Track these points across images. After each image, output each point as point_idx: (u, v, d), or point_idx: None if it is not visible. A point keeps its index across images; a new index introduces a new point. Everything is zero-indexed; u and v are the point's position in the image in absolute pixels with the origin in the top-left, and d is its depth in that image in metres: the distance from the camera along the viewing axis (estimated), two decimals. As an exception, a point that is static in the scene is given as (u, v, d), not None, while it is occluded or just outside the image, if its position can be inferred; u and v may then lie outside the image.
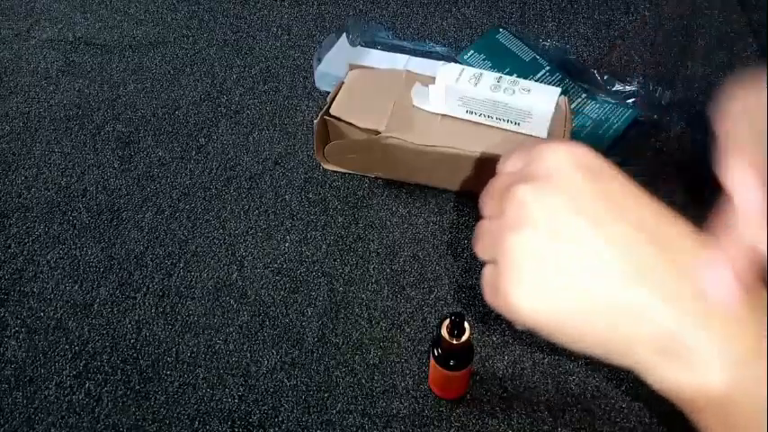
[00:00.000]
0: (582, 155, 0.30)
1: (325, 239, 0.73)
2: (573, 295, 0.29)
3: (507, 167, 0.34)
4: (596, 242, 0.28)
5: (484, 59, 0.90)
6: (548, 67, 0.88)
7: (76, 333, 0.66)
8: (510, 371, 0.63)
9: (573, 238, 0.28)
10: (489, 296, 0.31)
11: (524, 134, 0.71)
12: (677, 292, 0.27)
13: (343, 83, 0.78)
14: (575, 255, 0.28)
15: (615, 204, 0.29)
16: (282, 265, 0.71)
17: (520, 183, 0.30)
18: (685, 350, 0.27)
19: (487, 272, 0.32)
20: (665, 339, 0.27)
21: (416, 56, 0.90)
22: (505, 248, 0.30)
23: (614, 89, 0.86)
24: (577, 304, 0.29)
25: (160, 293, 0.69)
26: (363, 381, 0.63)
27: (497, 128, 0.72)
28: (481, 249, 0.33)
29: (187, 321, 0.67)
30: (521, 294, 0.29)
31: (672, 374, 0.28)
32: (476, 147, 0.70)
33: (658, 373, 0.28)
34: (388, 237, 0.73)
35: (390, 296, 0.68)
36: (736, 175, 0.28)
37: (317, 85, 0.88)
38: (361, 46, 0.91)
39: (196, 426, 0.60)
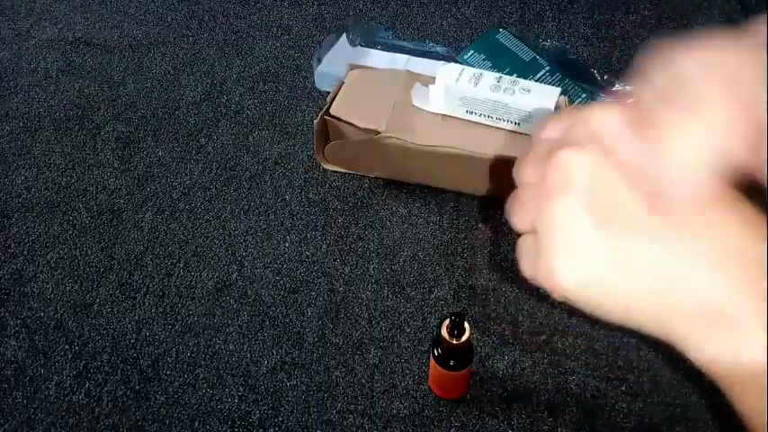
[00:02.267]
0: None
1: (326, 239, 0.73)
2: (618, 264, 0.28)
3: (547, 133, 0.32)
4: (643, 209, 0.27)
5: (484, 59, 0.90)
6: (548, 67, 0.88)
7: (76, 333, 0.66)
8: (510, 371, 0.63)
9: (620, 205, 0.28)
10: (527, 267, 0.30)
11: (524, 134, 0.71)
12: (724, 258, 0.27)
13: (343, 83, 0.78)
14: (622, 223, 0.28)
15: None
16: (282, 265, 0.71)
17: (564, 147, 0.29)
18: (731, 318, 0.26)
19: (526, 242, 0.30)
20: (710, 307, 0.27)
21: (416, 56, 0.90)
22: (548, 216, 0.29)
23: (614, 89, 0.86)
24: (623, 273, 0.28)
25: (160, 293, 0.69)
26: (363, 381, 0.63)
27: (497, 128, 0.72)
28: (518, 219, 0.31)
29: (187, 321, 0.67)
30: (565, 264, 0.28)
31: (714, 345, 0.27)
32: (476, 147, 0.70)
33: (700, 343, 0.28)
34: (388, 237, 0.73)
35: (390, 296, 0.68)
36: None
37: (317, 85, 0.88)
38: (361, 46, 0.91)
39: (196, 426, 0.60)
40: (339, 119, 0.74)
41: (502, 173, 0.71)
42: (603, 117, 0.29)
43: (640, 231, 0.28)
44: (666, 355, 0.62)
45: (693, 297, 0.27)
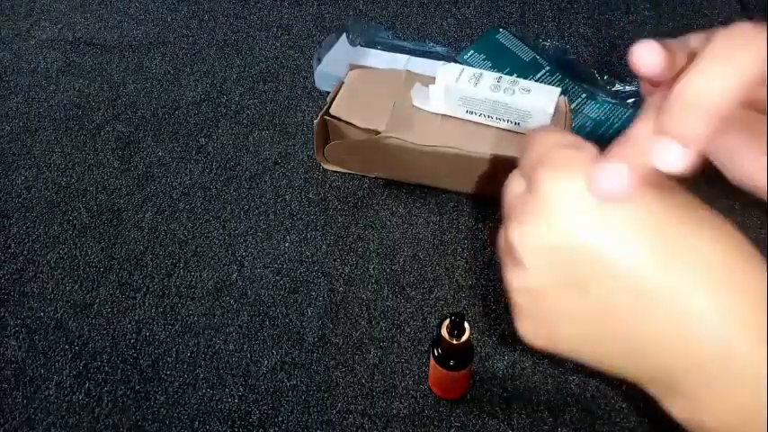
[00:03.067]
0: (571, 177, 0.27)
1: (326, 239, 0.73)
2: (590, 326, 0.27)
3: (511, 190, 0.31)
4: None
5: (484, 59, 0.90)
6: (548, 67, 0.88)
7: (76, 333, 0.66)
8: (510, 371, 0.63)
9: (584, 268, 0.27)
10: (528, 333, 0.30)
11: (525, 134, 0.71)
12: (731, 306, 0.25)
13: (343, 83, 0.78)
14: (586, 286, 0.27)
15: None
16: (282, 265, 0.71)
17: (512, 223, 0.28)
18: (736, 370, 0.24)
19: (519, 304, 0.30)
20: (712, 358, 0.25)
21: (416, 56, 0.90)
22: (511, 286, 0.29)
23: (614, 89, 0.86)
24: (596, 334, 0.27)
25: (160, 293, 0.69)
26: (363, 381, 0.63)
27: (497, 128, 0.72)
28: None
29: (187, 321, 0.67)
30: (527, 329, 0.29)
31: (709, 401, 0.25)
32: (476, 147, 0.70)
33: (692, 397, 0.25)
34: (388, 237, 0.73)
35: (390, 296, 0.68)
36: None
37: (317, 85, 0.88)
38: (361, 46, 0.91)
39: (196, 426, 0.60)
40: (339, 119, 0.74)
41: (502, 173, 0.71)
42: (557, 184, 0.27)
43: (609, 291, 0.26)
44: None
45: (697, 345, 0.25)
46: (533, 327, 0.29)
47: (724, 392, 0.25)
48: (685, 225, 0.26)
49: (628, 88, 0.86)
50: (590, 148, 0.28)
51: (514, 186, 0.30)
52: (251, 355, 0.64)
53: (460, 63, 0.86)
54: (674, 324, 0.25)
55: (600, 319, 0.27)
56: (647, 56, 0.26)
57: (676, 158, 0.24)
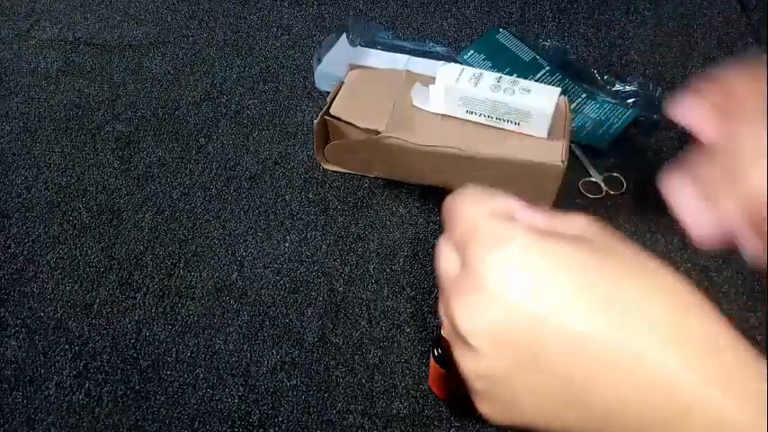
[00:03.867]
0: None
1: (326, 239, 0.73)
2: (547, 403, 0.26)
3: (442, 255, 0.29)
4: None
5: (484, 59, 0.90)
6: (548, 67, 0.88)
7: (76, 333, 0.66)
8: (510, 371, 0.63)
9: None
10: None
11: (524, 134, 0.71)
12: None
13: (343, 83, 0.78)
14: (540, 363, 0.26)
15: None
16: (282, 265, 0.71)
17: (454, 304, 0.26)
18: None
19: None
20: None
21: (416, 56, 0.90)
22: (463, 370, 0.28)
23: (614, 89, 0.86)
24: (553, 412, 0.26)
25: (160, 293, 0.69)
26: (363, 381, 0.63)
27: (497, 128, 0.72)
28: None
29: (187, 321, 0.67)
30: (491, 413, 0.28)
31: None
32: (476, 147, 0.70)
33: None
34: (388, 237, 0.73)
35: (390, 296, 0.68)
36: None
37: (317, 85, 0.88)
38: (361, 46, 0.91)
39: (196, 426, 0.60)
40: (339, 119, 0.74)
41: (501, 173, 0.71)
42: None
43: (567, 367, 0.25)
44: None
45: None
46: (494, 408, 0.28)
47: None
48: (633, 283, 0.25)
49: (628, 88, 0.86)
50: (522, 213, 0.27)
51: (447, 262, 0.28)
52: (251, 355, 0.64)
53: (460, 63, 0.86)
54: (634, 384, 0.24)
55: (561, 390, 0.25)
56: (689, 113, 0.26)
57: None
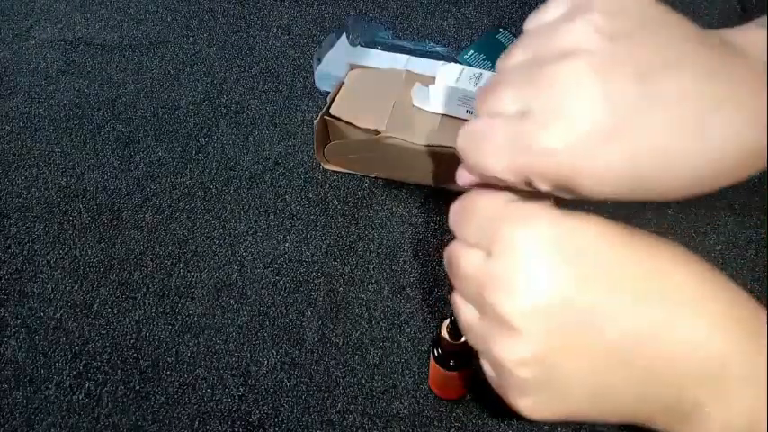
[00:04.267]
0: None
1: (326, 239, 0.73)
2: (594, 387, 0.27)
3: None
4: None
5: (484, 59, 0.90)
6: (548, 67, 0.88)
7: (76, 333, 0.66)
8: (510, 371, 0.63)
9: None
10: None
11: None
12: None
13: (343, 83, 0.78)
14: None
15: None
16: (282, 265, 0.71)
17: (489, 294, 0.26)
18: (734, 380, 0.25)
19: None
20: (713, 369, 0.25)
21: (416, 56, 0.90)
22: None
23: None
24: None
25: (160, 293, 0.69)
26: (363, 381, 0.63)
27: (497, 128, 0.72)
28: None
29: (187, 321, 0.67)
30: (528, 403, 0.27)
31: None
32: (476, 147, 0.70)
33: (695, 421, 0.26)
34: (388, 237, 0.73)
35: (390, 296, 0.68)
36: None
37: (317, 85, 0.88)
38: (361, 46, 0.91)
39: (196, 426, 0.60)
40: (339, 119, 0.74)
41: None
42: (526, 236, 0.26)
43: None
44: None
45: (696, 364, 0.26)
46: (539, 399, 0.27)
47: (729, 401, 0.25)
48: (651, 256, 0.26)
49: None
50: (540, 197, 0.27)
51: (469, 261, 0.28)
52: (251, 355, 0.64)
53: (460, 63, 0.86)
54: (674, 350, 0.25)
55: (609, 368, 0.26)
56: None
57: None
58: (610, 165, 0.24)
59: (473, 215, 0.28)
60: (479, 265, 0.27)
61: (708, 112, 0.24)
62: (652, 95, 0.23)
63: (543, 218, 0.26)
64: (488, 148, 0.27)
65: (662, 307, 0.25)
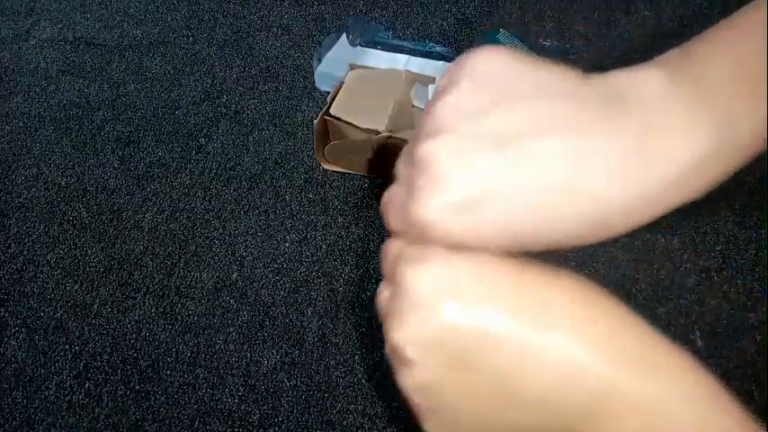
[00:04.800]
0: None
1: (326, 239, 0.73)
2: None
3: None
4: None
5: (484, 59, 0.90)
6: (548, 67, 0.88)
7: (76, 333, 0.66)
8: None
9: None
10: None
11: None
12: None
13: (343, 83, 0.78)
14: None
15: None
16: (282, 265, 0.71)
17: (390, 326, 0.29)
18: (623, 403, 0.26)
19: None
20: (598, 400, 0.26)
21: (416, 56, 0.90)
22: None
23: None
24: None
25: (160, 293, 0.69)
26: (363, 381, 0.63)
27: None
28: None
29: (187, 321, 0.67)
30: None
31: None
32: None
33: None
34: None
35: (390, 296, 0.68)
36: None
37: (317, 85, 0.88)
38: (361, 46, 0.91)
39: (196, 426, 0.60)
40: (339, 119, 0.74)
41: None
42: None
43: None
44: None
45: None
46: (437, 423, 0.29)
47: (615, 428, 0.26)
48: (537, 283, 0.27)
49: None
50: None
51: (382, 296, 0.31)
52: (251, 355, 0.64)
53: (460, 63, 0.86)
54: (558, 376, 0.26)
55: (496, 393, 0.27)
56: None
57: None
58: (482, 229, 0.26)
59: (386, 256, 0.31)
60: (386, 301, 0.30)
61: (574, 170, 0.25)
62: (514, 161, 0.25)
63: (435, 258, 0.27)
64: (389, 211, 0.30)
65: (541, 333, 0.26)
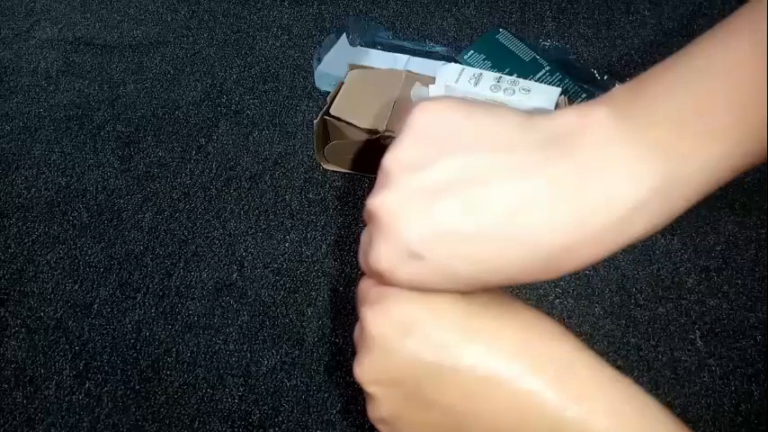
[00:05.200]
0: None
1: (326, 239, 0.73)
2: None
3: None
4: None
5: (484, 59, 0.90)
6: (548, 67, 0.88)
7: (76, 333, 0.66)
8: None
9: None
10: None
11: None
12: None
13: (342, 83, 0.78)
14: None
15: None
16: (282, 265, 0.71)
17: (356, 361, 0.30)
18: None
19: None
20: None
21: (416, 56, 0.90)
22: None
23: (614, 89, 0.86)
24: None
25: (160, 293, 0.69)
26: (363, 381, 0.63)
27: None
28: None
29: (187, 321, 0.67)
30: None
31: None
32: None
33: None
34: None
35: (390, 296, 0.68)
36: None
37: (317, 85, 0.88)
38: (361, 46, 0.91)
39: (196, 426, 0.60)
40: (339, 119, 0.74)
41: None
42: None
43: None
44: (666, 354, 0.62)
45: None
46: None
47: None
48: (486, 317, 0.28)
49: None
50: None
51: (355, 332, 0.32)
52: (251, 355, 0.64)
53: (460, 63, 0.86)
54: (505, 407, 0.27)
55: (445, 421, 0.28)
56: None
57: None
58: (428, 276, 0.27)
59: (358, 294, 0.32)
60: (356, 338, 0.32)
61: (514, 217, 0.25)
62: (454, 212, 0.26)
63: (392, 299, 0.29)
64: (360, 254, 0.31)
65: (493, 363, 0.27)
